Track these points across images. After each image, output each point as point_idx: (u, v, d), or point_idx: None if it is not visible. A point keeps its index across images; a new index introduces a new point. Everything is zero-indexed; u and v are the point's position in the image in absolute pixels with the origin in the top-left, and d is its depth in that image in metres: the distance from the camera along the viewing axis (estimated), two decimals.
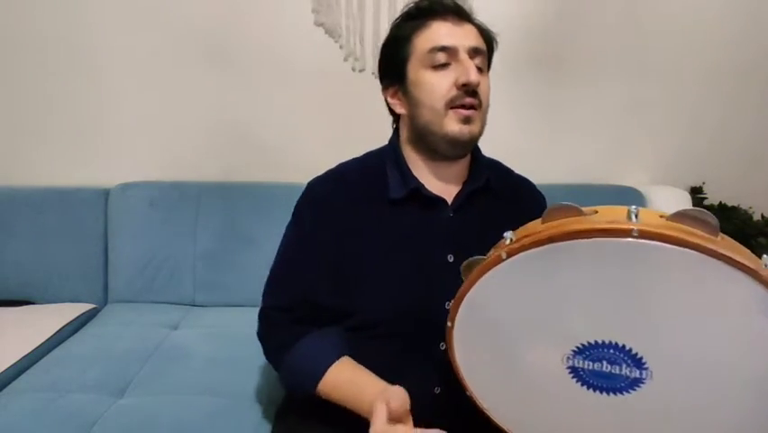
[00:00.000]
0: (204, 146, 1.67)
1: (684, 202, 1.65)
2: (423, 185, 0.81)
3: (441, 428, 0.65)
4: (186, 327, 1.38)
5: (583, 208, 0.53)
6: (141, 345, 1.25)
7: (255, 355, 1.17)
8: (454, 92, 0.76)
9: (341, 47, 1.61)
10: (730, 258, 0.45)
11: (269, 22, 1.59)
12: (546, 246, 0.51)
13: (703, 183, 1.77)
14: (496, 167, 0.93)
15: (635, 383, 0.54)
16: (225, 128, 1.66)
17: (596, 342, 0.54)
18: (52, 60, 1.59)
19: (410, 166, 0.84)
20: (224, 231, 1.52)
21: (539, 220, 0.55)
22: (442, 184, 0.84)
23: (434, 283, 0.77)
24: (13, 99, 1.61)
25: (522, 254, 0.53)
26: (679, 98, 1.72)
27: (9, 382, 1.11)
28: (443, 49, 0.76)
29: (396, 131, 0.89)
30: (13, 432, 0.95)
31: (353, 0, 1.58)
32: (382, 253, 0.80)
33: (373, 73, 1.62)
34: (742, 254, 0.46)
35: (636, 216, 0.48)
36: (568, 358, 0.57)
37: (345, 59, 1.62)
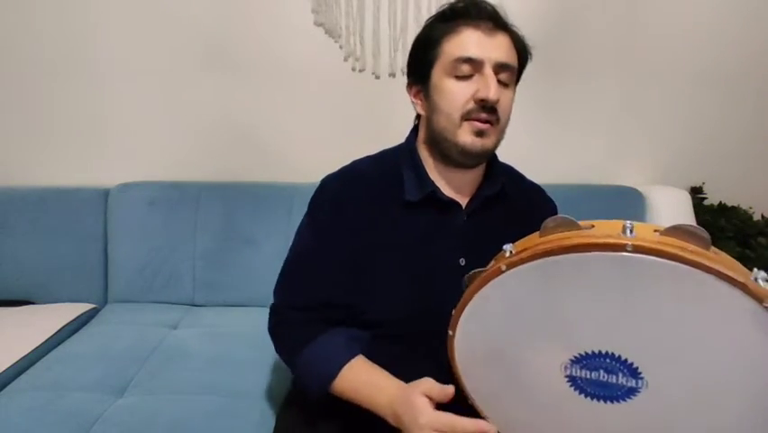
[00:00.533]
0: (203, 146, 1.67)
1: (684, 202, 1.65)
2: (438, 188, 0.81)
3: None
4: (185, 327, 1.38)
5: (580, 222, 0.54)
6: (141, 345, 1.25)
7: (255, 355, 1.18)
8: (472, 105, 0.75)
9: (341, 47, 1.61)
10: (720, 272, 0.47)
11: (269, 22, 1.59)
12: (543, 260, 0.54)
13: (703, 183, 1.77)
14: (509, 172, 0.93)
15: (631, 392, 0.56)
16: (225, 128, 1.66)
17: (593, 352, 0.56)
18: (52, 61, 1.59)
19: (426, 168, 0.83)
20: (224, 231, 1.52)
21: (537, 233, 0.57)
22: (456, 188, 0.84)
23: (444, 286, 0.76)
24: (12, 99, 1.61)
25: (520, 267, 0.55)
26: (679, 98, 1.72)
27: (9, 382, 1.11)
28: (469, 60, 0.75)
29: (414, 129, 0.88)
30: (13, 432, 0.95)
31: (353, 0, 1.58)
32: (395, 254, 0.80)
33: (373, 73, 1.62)
34: (732, 269, 0.48)
35: (632, 231, 0.50)
36: (566, 367, 0.59)
37: (345, 59, 1.62)
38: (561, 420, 0.62)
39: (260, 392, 1.09)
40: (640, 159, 1.78)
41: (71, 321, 1.38)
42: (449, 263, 0.80)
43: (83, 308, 1.47)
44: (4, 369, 1.14)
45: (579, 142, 1.74)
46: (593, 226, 0.54)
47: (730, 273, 0.47)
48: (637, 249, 0.49)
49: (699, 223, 1.65)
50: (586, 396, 0.59)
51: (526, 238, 0.59)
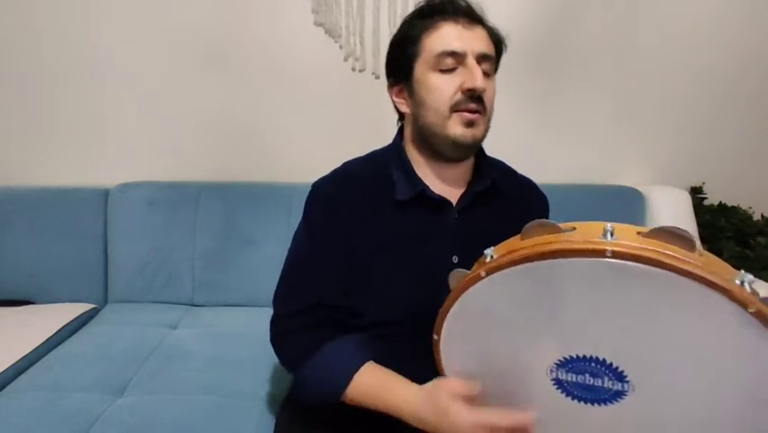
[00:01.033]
0: (203, 146, 1.67)
1: (684, 202, 1.65)
2: (428, 186, 0.81)
3: None
4: (185, 327, 1.38)
5: (561, 225, 0.54)
6: (141, 345, 1.25)
7: (255, 355, 1.18)
8: (459, 96, 0.76)
9: (341, 47, 1.61)
10: (702, 278, 0.46)
11: (269, 22, 1.59)
12: (523, 266, 0.53)
13: (703, 183, 1.77)
14: (500, 168, 0.93)
15: (617, 395, 0.56)
16: (225, 128, 1.66)
17: (577, 356, 0.56)
18: (52, 61, 1.59)
19: (414, 167, 0.84)
20: (224, 231, 1.52)
21: (518, 237, 0.57)
22: (446, 185, 0.84)
23: (440, 284, 0.76)
24: (12, 99, 1.61)
25: (499, 273, 0.55)
26: (679, 98, 1.72)
27: (9, 382, 1.11)
28: (452, 54, 0.76)
29: (400, 130, 0.88)
30: (13, 432, 0.95)
31: (353, 0, 1.58)
32: (389, 254, 0.80)
33: (373, 73, 1.62)
34: (717, 272, 0.47)
35: (612, 234, 0.49)
36: (551, 370, 0.59)
37: (345, 59, 1.62)
38: (549, 422, 0.62)
39: (260, 392, 1.09)
40: (640, 159, 1.77)
41: (71, 321, 1.38)
42: (443, 262, 0.79)
43: (83, 308, 1.47)
44: (4, 369, 1.14)
45: (579, 142, 1.74)
46: (574, 229, 0.53)
47: (711, 277, 0.46)
48: (617, 255, 0.48)
49: (699, 223, 1.65)
50: (573, 398, 0.59)
51: (507, 242, 0.59)
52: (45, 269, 1.51)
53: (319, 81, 1.63)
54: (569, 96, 1.70)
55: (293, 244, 0.86)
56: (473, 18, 0.79)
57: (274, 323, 0.84)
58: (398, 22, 1.59)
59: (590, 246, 0.49)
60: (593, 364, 0.56)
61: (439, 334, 0.64)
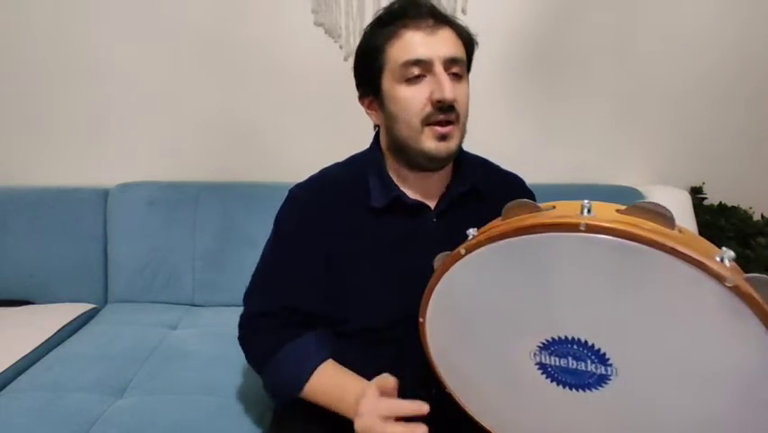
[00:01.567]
0: (203, 146, 1.67)
1: (684, 202, 1.65)
2: (404, 192, 0.80)
3: (437, 429, 0.66)
4: (185, 327, 1.38)
5: (542, 205, 0.54)
6: (141, 345, 1.25)
7: None
8: (429, 109, 0.73)
9: (341, 47, 1.61)
10: (678, 251, 0.44)
11: (269, 22, 1.59)
12: (501, 242, 0.53)
13: (703, 183, 1.77)
14: (483, 166, 0.91)
15: (601, 380, 0.55)
16: (225, 128, 1.66)
17: (558, 338, 0.55)
18: (52, 60, 1.59)
19: (391, 173, 0.82)
20: (224, 231, 1.52)
21: (500, 218, 0.57)
22: (424, 190, 0.82)
23: (419, 290, 0.76)
24: (12, 99, 1.61)
25: (479, 250, 0.55)
26: (679, 99, 1.72)
27: (9, 382, 1.11)
28: (417, 62, 0.73)
29: (377, 135, 0.87)
30: (13, 432, 0.95)
31: (353, 0, 1.58)
32: (367, 262, 0.79)
33: None
34: (695, 247, 0.45)
35: (589, 211, 0.49)
36: (535, 354, 0.58)
37: (345, 59, 1.62)
38: (536, 408, 0.61)
39: (260, 393, 1.08)
40: (640, 159, 1.77)
41: (71, 321, 1.38)
42: (422, 267, 0.77)
43: (83, 308, 1.47)
44: (4, 369, 1.14)
45: (578, 143, 1.74)
46: (554, 207, 0.53)
47: (687, 251, 0.44)
48: (591, 228, 0.47)
49: (699, 223, 1.65)
50: (558, 384, 0.58)
51: (490, 223, 0.58)
52: (45, 269, 1.51)
53: (319, 81, 1.63)
54: (569, 97, 1.70)
55: (266, 246, 0.86)
56: (438, 19, 0.75)
57: (242, 322, 0.86)
58: None
59: (565, 220, 0.49)
60: (575, 347, 0.55)
61: (424, 316, 0.64)
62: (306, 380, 0.77)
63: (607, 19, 1.64)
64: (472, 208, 0.82)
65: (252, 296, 0.86)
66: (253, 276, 0.87)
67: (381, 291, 0.79)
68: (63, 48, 1.58)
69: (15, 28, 1.56)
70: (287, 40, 1.60)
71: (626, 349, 0.52)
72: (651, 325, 0.50)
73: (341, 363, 0.80)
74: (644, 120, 1.74)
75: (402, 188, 0.81)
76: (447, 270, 0.59)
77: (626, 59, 1.68)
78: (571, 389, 0.57)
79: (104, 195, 1.56)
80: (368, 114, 0.84)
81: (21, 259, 1.50)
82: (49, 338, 1.28)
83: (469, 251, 0.56)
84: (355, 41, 1.60)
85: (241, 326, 0.86)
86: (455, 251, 0.57)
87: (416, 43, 0.73)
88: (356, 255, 0.79)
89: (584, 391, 0.56)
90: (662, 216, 0.47)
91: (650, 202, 0.47)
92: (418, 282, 0.76)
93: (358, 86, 0.84)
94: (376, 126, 0.86)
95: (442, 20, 0.76)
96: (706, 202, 1.75)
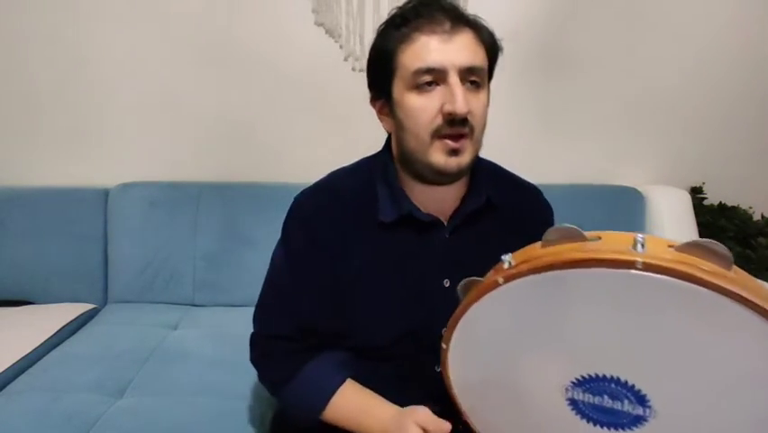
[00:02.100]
0: (204, 146, 1.67)
1: (684, 202, 1.65)
2: (416, 207, 0.75)
3: None
4: (185, 328, 1.38)
5: (586, 233, 0.49)
6: (141, 346, 1.25)
7: None
8: (440, 121, 0.67)
9: (341, 47, 1.61)
10: (740, 296, 0.42)
11: (269, 22, 1.59)
12: (544, 274, 0.49)
13: (703, 183, 1.77)
14: (498, 176, 0.84)
15: (637, 421, 0.52)
16: (225, 128, 1.66)
17: (596, 375, 0.52)
18: (52, 60, 1.58)
19: (402, 185, 0.76)
20: (224, 231, 1.52)
21: (539, 243, 0.52)
22: (436, 203, 0.76)
23: (428, 308, 0.73)
24: (12, 99, 1.61)
25: (519, 281, 0.51)
26: (679, 98, 1.72)
27: (9, 382, 1.11)
28: (430, 70, 0.66)
29: (388, 141, 0.80)
30: (12, 432, 0.95)
31: (353, 0, 1.57)
32: (375, 278, 0.75)
33: None
34: (755, 292, 0.43)
35: (643, 246, 0.45)
36: (567, 390, 0.54)
37: (345, 59, 1.62)
38: None
39: (261, 393, 1.09)
40: (640, 159, 1.77)
41: (71, 321, 1.38)
42: (432, 285, 0.75)
43: (83, 308, 1.47)
44: (4, 369, 1.14)
45: (579, 142, 1.74)
46: (600, 238, 0.49)
47: (752, 298, 0.41)
48: (648, 267, 0.44)
49: (699, 223, 1.65)
50: (588, 421, 0.54)
51: (527, 248, 0.54)
52: (45, 269, 1.51)
53: (319, 81, 1.63)
54: (570, 97, 1.70)
55: (272, 261, 0.82)
56: (456, 22, 0.67)
57: (255, 343, 0.82)
58: None
59: (620, 257, 0.45)
60: (613, 385, 0.51)
61: (447, 343, 0.60)
62: (326, 403, 0.74)
63: (609, 20, 1.64)
64: (486, 225, 0.78)
65: (264, 315, 0.81)
66: (264, 292, 0.81)
67: (386, 308, 0.75)
68: (63, 47, 1.58)
69: (15, 28, 1.56)
70: (287, 40, 1.60)
71: (670, 392, 0.50)
72: (700, 369, 0.47)
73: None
74: (644, 120, 1.74)
75: (413, 201, 0.75)
76: (479, 299, 0.54)
77: (627, 60, 1.68)
78: (602, 427, 0.54)
79: (104, 195, 1.56)
80: (379, 118, 0.77)
81: (21, 259, 1.50)
82: (49, 338, 1.28)
83: (507, 281, 0.51)
84: (355, 41, 1.60)
85: (253, 346, 0.82)
86: (491, 279, 0.52)
87: (429, 49, 0.66)
88: (360, 271, 0.75)
89: (616, 430, 0.54)
90: (721, 255, 0.44)
91: (707, 240, 0.44)
92: (426, 300, 0.74)
93: (370, 88, 0.77)
94: (388, 131, 0.80)
95: (461, 22, 0.68)
96: (706, 202, 1.75)
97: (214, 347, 1.25)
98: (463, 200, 0.77)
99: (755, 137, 1.77)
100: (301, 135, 1.67)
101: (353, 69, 1.63)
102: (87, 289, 1.53)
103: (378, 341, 0.76)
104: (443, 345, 0.61)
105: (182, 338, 1.31)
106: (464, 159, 0.69)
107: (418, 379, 0.75)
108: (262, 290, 0.82)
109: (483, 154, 0.92)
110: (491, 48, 0.71)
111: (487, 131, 0.78)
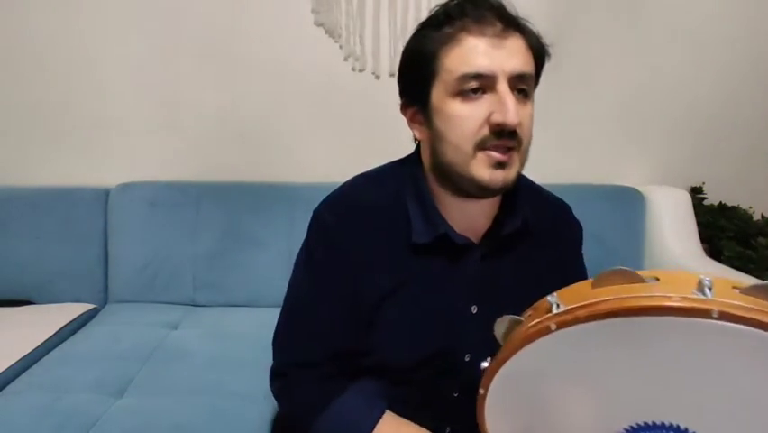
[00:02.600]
0: (204, 146, 1.67)
1: (684, 202, 1.65)
2: (451, 228, 0.69)
3: None
4: (186, 327, 1.38)
5: (641, 273, 0.45)
6: (141, 345, 1.25)
7: (256, 355, 1.18)
8: (486, 132, 0.61)
9: (341, 47, 1.61)
10: None
11: (270, 22, 1.59)
12: (603, 321, 0.45)
13: (703, 183, 1.77)
14: (532, 194, 0.77)
15: None
16: (225, 128, 1.66)
17: (653, 423, 0.49)
18: (52, 60, 1.59)
19: (435, 200, 0.70)
20: (225, 231, 1.52)
21: (589, 282, 0.48)
22: (468, 221, 0.71)
23: (454, 334, 0.70)
24: (12, 99, 1.61)
25: (573, 327, 0.47)
26: (679, 98, 1.72)
27: (9, 382, 1.11)
28: (478, 76, 0.60)
29: (417, 150, 0.73)
30: (12, 432, 0.95)
31: (353, 0, 1.58)
32: (399, 299, 0.71)
33: (373, 73, 1.62)
34: None
35: (710, 290, 0.42)
36: None
37: (345, 59, 1.62)
38: None
39: (261, 393, 1.08)
40: (640, 159, 1.78)
41: (71, 321, 1.38)
42: (459, 312, 0.71)
43: (83, 308, 1.47)
44: (4, 369, 1.14)
45: (579, 142, 1.74)
46: (657, 279, 0.45)
47: None
48: (725, 316, 0.41)
49: (698, 223, 1.65)
50: None
51: (573, 287, 0.49)
52: (45, 269, 1.51)
53: (319, 81, 1.63)
54: (569, 97, 1.70)
55: (293, 279, 0.76)
56: (506, 23, 0.62)
57: (278, 375, 0.75)
58: (399, 22, 1.61)
59: (695, 306, 0.42)
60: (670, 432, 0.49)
61: (486, 388, 0.55)
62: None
63: (608, 19, 1.64)
64: (518, 251, 0.73)
65: (288, 343, 0.75)
66: (285, 319, 0.76)
67: (409, 331, 0.71)
68: (63, 47, 1.58)
69: (15, 28, 1.56)
70: (287, 40, 1.60)
71: None
72: (763, 419, 0.45)
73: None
74: (644, 120, 1.74)
75: (446, 220, 0.70)
76: (527, 344, 0.50)
77: (626, 58, 1.68)
78: None
79: (104, 195, 1.56)
80: (410, 127, 0.71)
81: (21, 259, 1.50)
82: (49, 338, 1.28)
83: (561, 327, 0.47)
84: (355, 41, 1.60)
85: (276, 377, 0.75)
86: (542, 324, 0.48)
87: (477, 53, 0.60)
88: (386, 293, 0.70)
89: None
90: None
91: None
92: (450, 325, 0.71)
93: (402, 93, 0.70)
94: (416, 140, 0.73)
95: (512, 25, 0.62)
96: (706, 202, 1.75)
97: (215, 347, 1.25)
98: (497, 219, 0.72)
99: (755, 137, 1.77)
100: (301, 135, 1.67)
101: (353, 69, 1.63)
102: (88, 289, 1.53)
103: (397, 364, 0.72)
104: (481, 391, 0.55)
105: (182, 338, 1.31)
106: (511, 173, 0.63)
107: (436, 403, 0.73)
108: (281, 317, 0.76)
109: None
110: (539, 53, 0.67)
111: None
